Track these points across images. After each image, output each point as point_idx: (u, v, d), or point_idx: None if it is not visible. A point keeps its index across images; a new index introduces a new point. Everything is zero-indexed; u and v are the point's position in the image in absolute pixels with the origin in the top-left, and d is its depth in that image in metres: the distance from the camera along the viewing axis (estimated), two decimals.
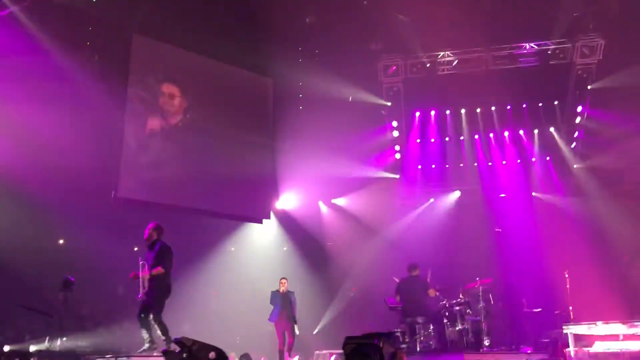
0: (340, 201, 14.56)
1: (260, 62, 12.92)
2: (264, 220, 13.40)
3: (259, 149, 13.13)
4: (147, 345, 7.84)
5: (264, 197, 13.26)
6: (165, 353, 6.27)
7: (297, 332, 10.61)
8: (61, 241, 11.58)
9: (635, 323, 6.71)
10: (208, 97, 12.50)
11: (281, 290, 10.59)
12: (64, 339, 9.14)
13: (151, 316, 7.92)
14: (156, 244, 8.27)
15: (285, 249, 14.10)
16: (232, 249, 13.49)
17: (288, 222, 14.13)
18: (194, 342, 5.84)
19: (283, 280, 10.74)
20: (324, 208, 14.66)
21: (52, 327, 9.15)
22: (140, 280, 8.01)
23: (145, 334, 7.95)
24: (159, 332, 7.86)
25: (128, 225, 10.63)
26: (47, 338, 8.79)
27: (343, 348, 5.10)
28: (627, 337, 6.71)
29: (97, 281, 10.64)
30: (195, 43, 12.03)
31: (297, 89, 13.97)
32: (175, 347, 6.22)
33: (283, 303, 10.47)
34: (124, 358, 7.98)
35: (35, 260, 9.99)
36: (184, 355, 5.82)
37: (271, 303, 10.50)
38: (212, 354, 5.77)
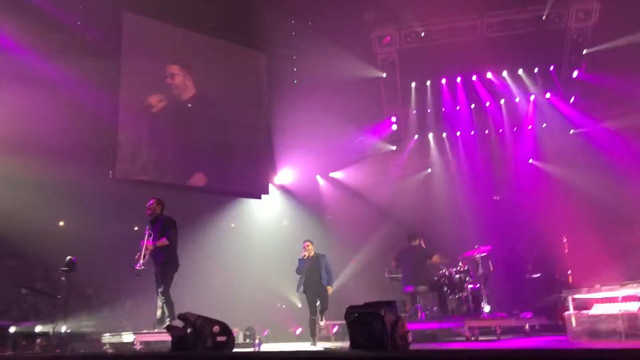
0: (338, 174, 14.57)
1: (253, 36, 12.79)
2: (263, 196, 13.42)
3: (255, 125, 13.10)
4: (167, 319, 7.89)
5: (262, 173, 13.27)
6: (168, 329, 6.33)
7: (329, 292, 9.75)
8: (61, 223, 11.62)
9: (634, 284, 6.76)
10: (201, 73, 12.40)
11: (305, 256, 9.66)
12: (69, 319, 9.23)
13: (160, 290, 7.97)
14: (160, 218, 8.30)
15: (285, 223, 14.17)
16: (232, 225, 13.55)
17: (287, 197, 14.17)
18: (198, 316, 5.89)
19: (306, 244, 9.75)
20: (322, 182, 14.69)
21: (56, 308, 9.24)
22: (143, 250, 7.97)
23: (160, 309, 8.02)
24: (160, 306, 7.94)
25: (127, 205, 10.68)
26: (53, 319, 8.87)
27: (345, 318, 5.16)
28: (625, 299, 6.76)
29: (99, 261, 10.71)
30: (186, 19, 11.91)
31: (291, 63, 13.86)
32: (179, 323, 6.27)
33: (309, 270, 9.59)
34: (129, 335, 8.08)
35: (38, 242, 10.04)
36: (188, 330, 5.88)
37: (297, 272, 9.73)
38: (216, 328, 5.84)
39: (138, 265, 7.91)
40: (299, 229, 13.58)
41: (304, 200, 14.11)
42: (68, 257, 8.98)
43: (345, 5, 12.25)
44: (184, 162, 11.89)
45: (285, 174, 14.22)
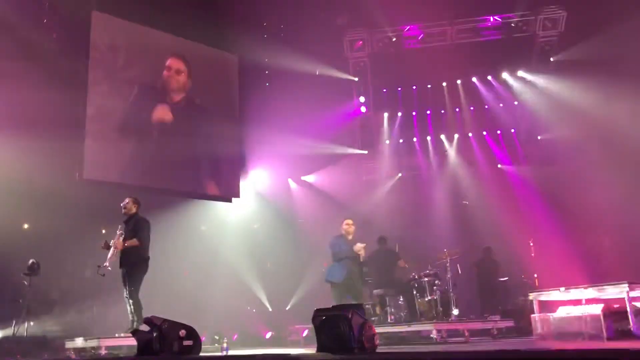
0: (310, 178, 14.58)
1: (225, 38, 12.71)
2: (234, 199, 13.33)
3: (226, 127, 13.00)
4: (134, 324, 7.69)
5: (233, 176, 13.17)
6: (134, 333, 6.22)
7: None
8: (26, 225, 11.34)
9: (596, 287, 6.92)
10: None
11: (350, 237, 8.06)
12: (32, 323, 9.02)
13: (128, 293, 7.77)
14: (133, 218, 8.10)
15: (256, 226, 14.09)
16: (203, 228, 13.42)
17: (258, 200, 14.10)
18: (164, 320, 5.81)
19: (349, 222, 8.11)
20: (293, 185, 14.67)
21: (19, 312, 9.02)
22: (111, 249, 7.75)
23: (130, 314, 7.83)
24: (129, 310, 7.76)
25: (95, 207, 10.47)
26: (14, 323, 8.65)
27: (312, 321, 5.15)
28: (588, 301, 6.93)
29: (65, 264, 10.48)
30: (156, 19, 11.78)
31: (263, 66, 13.82)
32: (144, 327, 6.18)
33: (352, 254, 7.93)
34: (94, 341, 7.91)
35: (0, 245, 9.77)
36: (154, 334, 5.79)
37: (335, 254, 7.94)
38: (182, 332, 5.76)
39: (104, 264, 7.68)
40: (270, 232, 13.55)
41: (275, 203, 14.07)
42: (31, 261, 8.78)
43: (318, 9, 12.26)
44: (153, 164, 11.73)
45: (257, 177, 14.16)
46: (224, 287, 12.43)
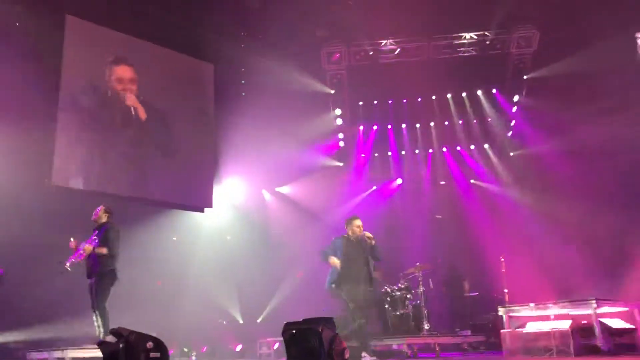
0: (285, 189, 14.53)
1: (201, 47, 12.63)
2: (206, 209, 13.19)
3: (199, 136, 12.90)
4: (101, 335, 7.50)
5: (205, 185, 13.03)
6: (100, 344, 6.07)
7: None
8: None
9: (565, 303, 7.01)
10: (146, 81, 12.16)
11: (353, 236, 7.04)
12: None
13: (95, 303, 7.60)
14: (103, 226, 7.95)
15: (229, 237, 13.95)
16: (174, 238, 13.23)
17: (231, 211, 13.98)
18: (131, 332, 5.68)
19: (360, 224, 7.07)
20: (267, 196, 14.60)
21: None
22: (80, 250, 7.57)
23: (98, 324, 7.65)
24: (96, 322, 7.59)
25: (63, 215, 10.25)
26: None
27: (282, 334, 5.10)
28: (557, 317, 7.01)
29: (33, 274, 10.21)
30: (132, 25, 11.68)
31: (239, 76, 13.77)
32: (111, 338, 6.03)
33: (356, 255, 7.04)
34: (58, 352, 7.73)
35: None
36: (121, 345, 5.66)
37: (327, 256, 6.96)
38: (149, 344, 5.64)
39: (67, 263, 7.49)
40: (244, 244, 13.42)
41: (249, 214, 13.97)
42: None
43: (296, 21, 12.26)
44: (125, 171, 11.56)
45: (230, 188, 14.03)
46: (195, 298, 12.26)
